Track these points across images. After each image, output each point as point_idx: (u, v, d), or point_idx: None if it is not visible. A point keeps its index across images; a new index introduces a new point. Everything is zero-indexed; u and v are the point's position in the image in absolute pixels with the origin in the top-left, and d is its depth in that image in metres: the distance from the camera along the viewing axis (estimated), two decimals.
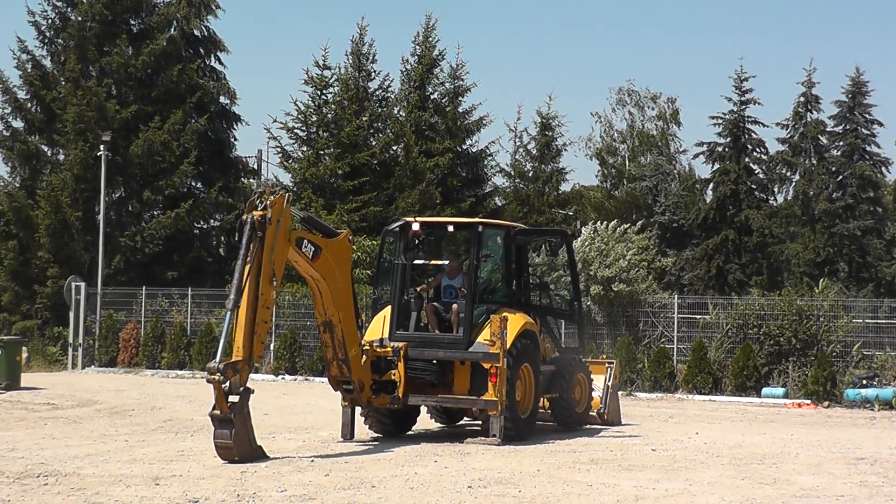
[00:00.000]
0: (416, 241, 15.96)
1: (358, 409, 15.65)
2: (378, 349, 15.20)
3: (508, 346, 14.93)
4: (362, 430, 15.94)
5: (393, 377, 15.18)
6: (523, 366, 15.52)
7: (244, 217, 13.26)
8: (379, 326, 15.66)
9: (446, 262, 16.56)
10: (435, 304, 16.01)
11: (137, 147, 37.15)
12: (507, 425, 14.97)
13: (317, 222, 15.25)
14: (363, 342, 15.11)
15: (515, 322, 15.35)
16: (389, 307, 15.76)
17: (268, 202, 13.22)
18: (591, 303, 28.07)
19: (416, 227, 15.82)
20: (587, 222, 32.88)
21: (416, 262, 16.33)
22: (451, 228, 16.60)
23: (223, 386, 12.57)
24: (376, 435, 16.03)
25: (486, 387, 14.95)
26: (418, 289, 16.24)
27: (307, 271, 14.18)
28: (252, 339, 12.99)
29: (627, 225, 31.94)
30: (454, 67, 40.48)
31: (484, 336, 15.10)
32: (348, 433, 15.48)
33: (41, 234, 36.20)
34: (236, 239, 13.55)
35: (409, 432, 16.42)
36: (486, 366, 14.95)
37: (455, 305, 15.78)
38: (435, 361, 15.48)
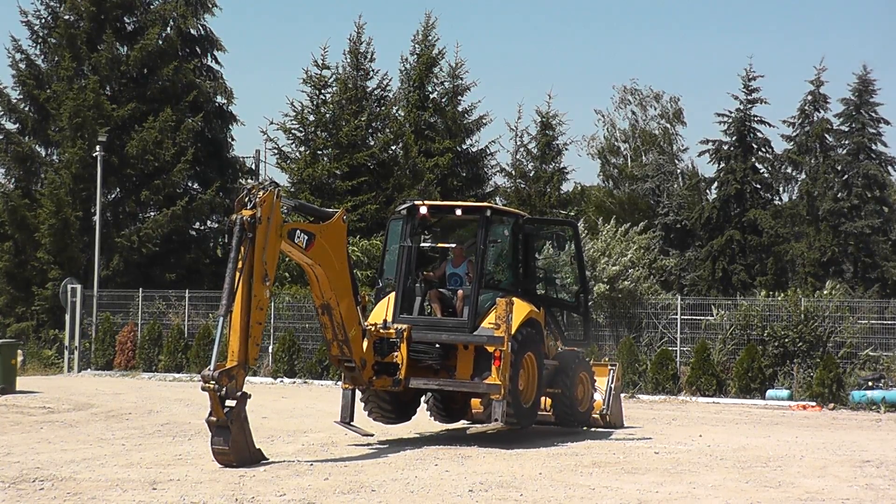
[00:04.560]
0: (423, 225, 15.82)
1: (358, 395, 15.55)
2: (381, 331, 15.07)
3: (513, 331, 14.79)
4: (362, 416, 15.83)
5: (395, 359, 15.06)
6: (527, 354, 15.40)
7: (233, 217, 13.01)
8: (383, 310, 15.55)
9: (452, 246, 16.43)
10: (440, 290, 15.89)
11: (132, 147, 37.02)
12: (509, 411, 14.80)
13: (308, 208, 15.12)
14: (366, 324, 14.97)
15: (521, 309, 15.23)
16: (394, 293, 15.63)
17: (256, 200, 12.98)
18: (594, 303, 27.93)
19: (423, 210, 15.71)
20: (589, 222, 32.78)
21: (423, 245, 16.16)
22: (458, 212, 16.44)
23: (219, 393, 12.39)
24: (376, 423, 15.97)
25: (490, 371, 14.80)
26: (425, 273, 16.04)
27: (302, 260, 14.02)
28: (247, 342, 12.78)
29: (629, 224, 31.84)
30: (453, 66, 40.46)
31: (489, 320, 14.97)
32: (348, 416, 15.38)
33: (42, 235, 36.09)
34: (226, 240, 13.37)
35: (409, 435, 16.27)
36: (490, 349, 14.81)
37: (460, 291, 15.70)
38: (438, 345, 15.36)
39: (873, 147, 41.50)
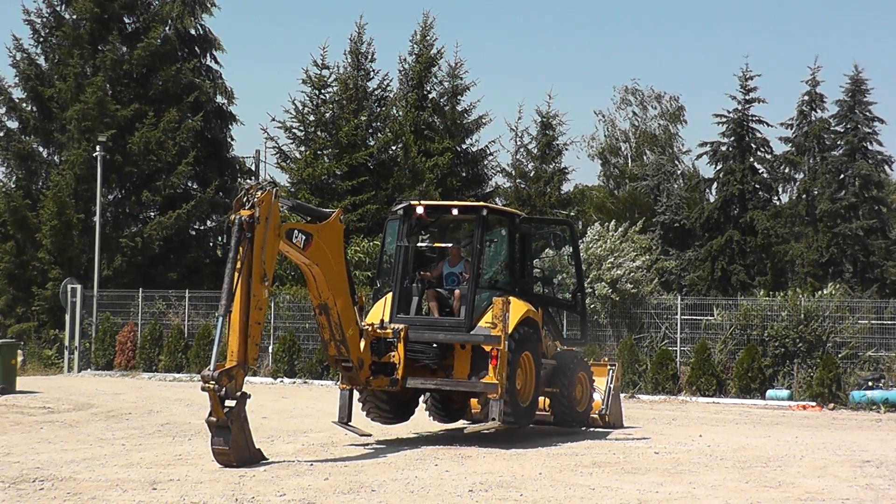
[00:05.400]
0: (420, 224, 15.85)
1: (356, 395, 15.55)
2: (378, 331, 15.08)
3: (510, 330, 14.77)
4: (360, 416, 15.84)
5: (392, 359, 15.06)
6: (524, 353, 15.37)
7: (232, 217, 13.01)
8: (380, 310, 15.56)
9: (449, 245, 16.42)
10: (438, 289, 15.89)
11: (134, 146, 37.03)
12: (506, 410, 14.78)
13: (306, 208, 15.12)
14: (364, 324, 14.97)
15: (518, 308, 15.20)
16: (391, 293, 15.63)
17: (255, 200, 12.97)
18: (597, 303, 27.94)
19: (419, 209, 15.70)
20: (590, 223, 32.82)
21: (420, 244, 16.17)
22: (455, 212, 16.44)
23: (218, 393, 12.39)
24: (375, 423, 16.01)
25: (487, 370, 14.79)
26: (422, 273, 16.05)
27: (299, 259, 14.04)
28: (246, 343, 12.78)
29: (627, 223, 31.87)
30: (452, 66, 40.46)
31: (486, 319, 14.96)
32: (346, 416, 15.39)
33: (43, 235, 36.08)
34: (226, 240, 13.37)
35: (409, 435, 16.27)
36: (487, 348, 14.80)
37: (457, 291, 15.70)
38: (435, 345, 15.34)
39: (868, 147, 41.47)
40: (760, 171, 42.85)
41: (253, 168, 43.79)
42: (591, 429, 17.59)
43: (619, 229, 30.78)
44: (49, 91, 38.22)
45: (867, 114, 41.51)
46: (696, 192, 44.98)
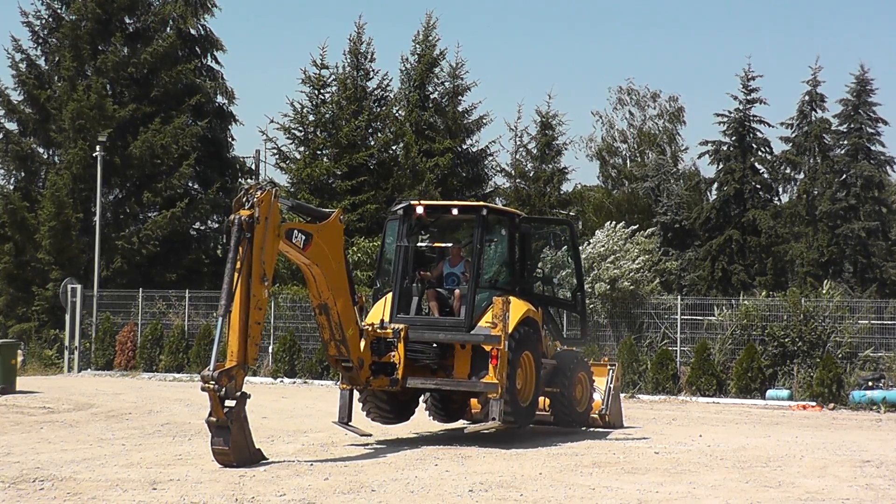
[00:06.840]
0: (420, 224, 15.85)
1: (356, 395, 15.56)
2: (378, 331, 15.09)
3: (510, 330, 14.78)
4: (360, 417, 15.85)
5: (392, 359, 15.07)
6: (524, 353, 15.38)
7: (231, 217, 13.01)
8: (380, 310, 15.57)
9: (450, 245, 16.43)
10: (438, 289, 15.89)
11: (136, 149, 37.02)
12: (506, 409, 14.78)
13: (305, 208, 15.16)
14: (364, 324, 14.99)
15: (518, 308, 15.21)
16: (391, 293, 15.64)
17: (254, 200, 12.99)
18: (597, 303, 27.91)
19: (419, 209, 15.71)
20: (589, 223, 32.81)
21: (420, 244, 16.17)
22: (455, 212, 16.44)
23: (218, 393, 12.39)
24: (375, 423, 16.03)
25: (487, 370, 14.80)
26: (421, 272, 16.05)
27: (299, 259, 14.06)
28: (246, 343, 12.79)
29: (636, 227, 31.82)
30: (453, 66, 40.45)
31: (486, 319, 14.97)
32: (346, 416, 15.41)
33: (42, 236, 36.07)
34: (226, 240, 13.40)
35: (409, 435, 16.28)
36: (487, 348, 14.81)
37: (457, 291, 15.72)
38: (435, 345, 15.35)
39: (871, 147, 41.42)
40: (761, 171, 42.83)
41: (253, 168, 43.82)
42: (591, 429, 17.60)
43: (627, 230, 30.72)
44: (46, 93, 38.18)
45: (871, 114, 41.45)
46: (697, 192, 44.94)
